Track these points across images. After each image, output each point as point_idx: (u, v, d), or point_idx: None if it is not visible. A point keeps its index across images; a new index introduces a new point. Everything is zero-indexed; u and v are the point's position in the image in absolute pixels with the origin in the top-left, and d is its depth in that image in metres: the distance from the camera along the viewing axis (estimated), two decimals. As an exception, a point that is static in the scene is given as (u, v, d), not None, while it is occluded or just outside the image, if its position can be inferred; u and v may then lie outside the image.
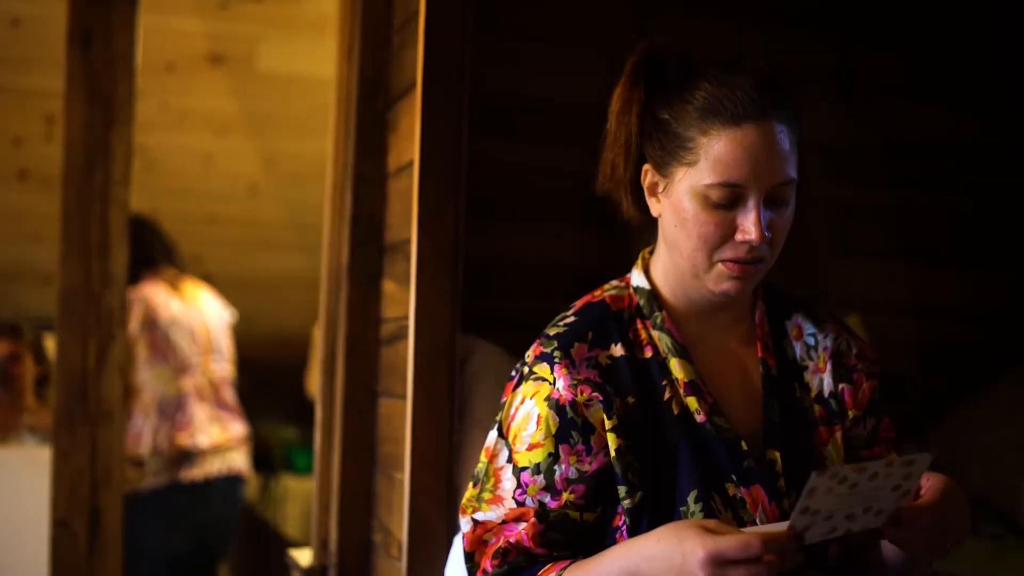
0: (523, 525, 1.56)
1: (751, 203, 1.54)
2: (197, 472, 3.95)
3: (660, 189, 1.62)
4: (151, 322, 3.92)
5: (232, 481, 4.08)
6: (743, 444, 1.59)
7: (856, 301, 3.24)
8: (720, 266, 1.58)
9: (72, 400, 2.97)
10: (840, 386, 1.69)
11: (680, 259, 1.61)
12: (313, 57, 5.04)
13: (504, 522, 1.58)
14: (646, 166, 1.64)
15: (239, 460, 4.10)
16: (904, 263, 3.35)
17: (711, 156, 1.54)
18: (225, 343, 4.15)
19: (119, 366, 3.01)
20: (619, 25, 3.02)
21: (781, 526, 1.37)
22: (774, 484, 1.59)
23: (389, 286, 2.54)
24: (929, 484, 1.49)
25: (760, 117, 1.54)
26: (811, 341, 1.72)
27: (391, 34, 2.65)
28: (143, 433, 3.88)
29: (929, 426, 3.20)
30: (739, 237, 1.55)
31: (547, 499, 1.56)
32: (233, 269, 4.23)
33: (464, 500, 1.63)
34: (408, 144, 2.39)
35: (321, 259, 2.85)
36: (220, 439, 4.03)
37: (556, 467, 1.56)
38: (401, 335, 2.37)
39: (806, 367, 1.70)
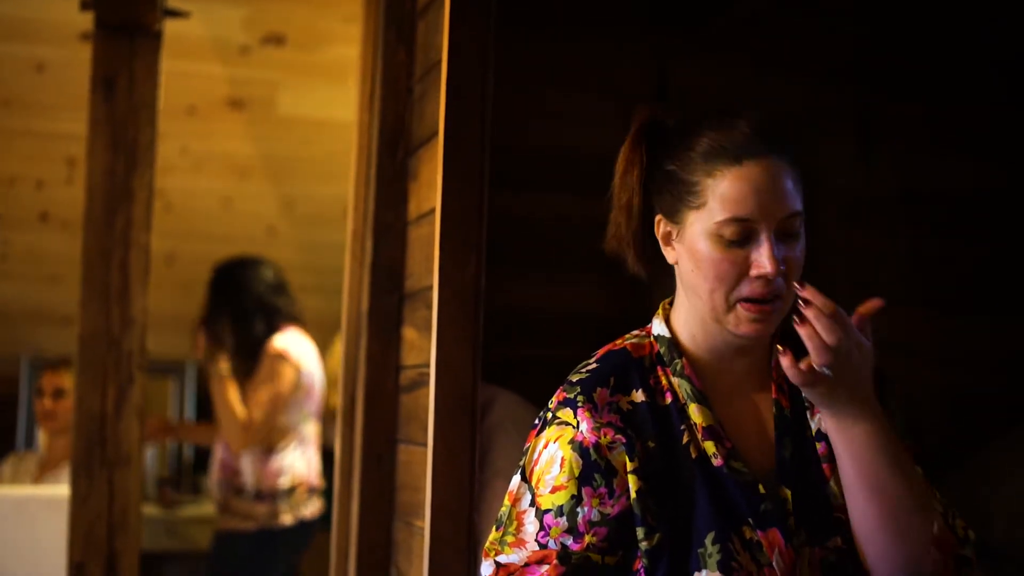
0: (545, 568, 1.56)
1: (763, 237, 1.57)
2: (312, 510, 4.18)
3: (674, 236, 1.66)
4: (301, 367, 4.13)
5: (317, 523, 4.26)
6: (760, 487, 1.60)
7: (875, 348, 3.22)
8: (739, 308, 1.60)
9: (90, 444, 2.96)
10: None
11: (700, 304, 1.63)
12: (331, 102, 5.09)
13: (526, 565, 1.58)
14: (658, 217, 1.68)
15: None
16: (923, 311, 3.33)
17: (718, 195, 1.58)
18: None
19: (137, 410, 3.00)
20: (640, 73, 3.03)
21: None
22: (787, 524, 1.60)
23: (409, 333, 2.54)
24: None
25: (759, 154, 1.58)
26: None
27: (412, 83, 2.66)
28: (283, 469, 4.08)
29: (949, 475, 3.18)
30: (754, 272, 1.58)
31: (569, 541, 1.57)
32: (250, 311, 4.27)
33: (487, 543, 1.64)
34: (429, 192, 2.40)
35: (341, 306, 2.85)
36: (320, 481, 4.24)
37: (579, 509, 1.57)
38: (421, 383, 2.37)
39: (808, 406, 1.71)
